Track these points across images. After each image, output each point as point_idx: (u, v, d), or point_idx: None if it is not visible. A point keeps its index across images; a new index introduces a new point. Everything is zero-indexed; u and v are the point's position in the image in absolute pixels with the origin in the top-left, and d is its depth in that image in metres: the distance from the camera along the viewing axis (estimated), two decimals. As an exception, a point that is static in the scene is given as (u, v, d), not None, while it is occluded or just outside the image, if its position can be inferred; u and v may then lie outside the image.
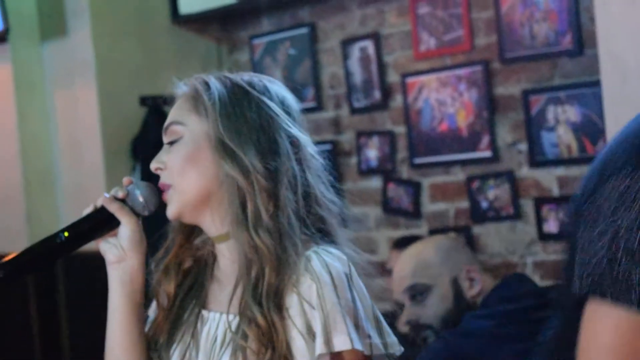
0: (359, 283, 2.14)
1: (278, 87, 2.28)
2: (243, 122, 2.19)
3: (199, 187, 2.20)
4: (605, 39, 3.98)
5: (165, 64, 6.19)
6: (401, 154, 5.43)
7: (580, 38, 4.65)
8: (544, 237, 4.83)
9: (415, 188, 5.36)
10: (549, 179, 4.82)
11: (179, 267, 2.32)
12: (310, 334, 2.07)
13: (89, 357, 6.31)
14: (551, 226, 4.81)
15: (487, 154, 5.03)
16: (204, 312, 2.27)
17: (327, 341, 2.04)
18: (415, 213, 5.36)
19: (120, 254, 2.21)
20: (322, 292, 2.06)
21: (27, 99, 6.32)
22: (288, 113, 2.25)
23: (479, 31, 5.07)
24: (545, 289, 3.35)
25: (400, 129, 5.41)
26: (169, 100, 6.20)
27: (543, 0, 4.81)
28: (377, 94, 5.51)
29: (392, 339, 2.17)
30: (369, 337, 2.12)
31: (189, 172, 2.19)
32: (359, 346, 2.05)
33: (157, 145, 6.16)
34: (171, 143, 2.23)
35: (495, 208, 5.02)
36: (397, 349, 2.17)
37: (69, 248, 2.21)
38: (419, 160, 5.32)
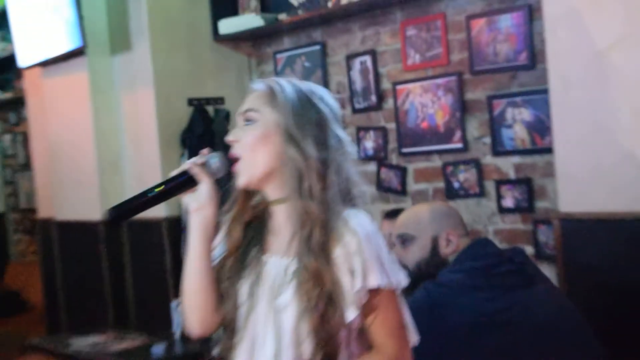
0: (380, 235, 2.28)
1: (329, 96, 2.37)
2: (306, 119, 2.27)
3: (264, 162, 2.28)
4: (552, 56, 3.99)
5: (207, 73, 6.16)
6: (392, 145, 5.38)
7: (533, 56, 4.59)
8: (502, 210, 4.78)
9: (402, 172, 5.32)
10: (507, 165, 4.78)
11: (242, 220, 2.38)
12: (352, 275, 2.19)
13: (145, 297, 6.35)
14: (508, 202, 4.76)
15: (459, 145, 4.98)
16: (265, 257, 2.35)
17: (364, 279, 2.19)
18: (402, 191, 5.32)
19: (200, 204, 2.28)
20: (360, 243, 2.20)
21: (100, 101, 6.28)
22: (335, 116, 2.34)
23: (454, 49, 5.01)
24: (504, 250, 3.31)
25: (391, 125, 5.36)
26: (211, 102, 6.17)
27: (504, 26, 4.74)
28: (373, 98, 5.46)
29: (403, 274, 2.30)
30: (391, 275, 2.25)
31: (259, 149, 2.27)
32: (386, 283, 2.22)
33: (201, 137, 6.20)
34: (247, 123, 2.30)
35: (464, 188, 4.97)
36: (405, 281, 2.29)
37: (159, 199, 2.30)
38: (405, 150, 5.27)
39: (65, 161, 6.68)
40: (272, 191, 2.33)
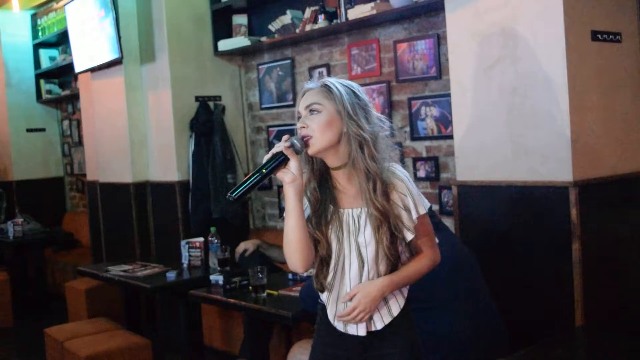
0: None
1: (359, 87, 2.41)
2: (357, 105, 2.32)
3: (330, 140, 2.31)
4: (454, 70, 3.98)
5: (209, 78, 6.10)
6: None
7: (440, 69, 4.58)
8: (417, 179, 4.76)
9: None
10: (420, 147, 4.77)
11: (314, 183, 2.42)
12: (406, 209, 2.32)
13: (162, 238, 6.31)
14: (421, 173, 4.75)
15: (387, 132, 4.98)
16: (341, 210, 2.39)
17: (417, 210, 2.34)
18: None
19: (293, 177, 2.27)
20: (407, 186, 2.34)
21: (132, 97, 6.20)
22: (370, 101, 2.40)
23: (384, 64, 4.99)
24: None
25: (340, 118, 5.34)
26: (211, 99, 6.12)
27: (420, 48, 4.73)
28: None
29: (426, 201, 2.43)
30: (425, 204, 2.39)
31: (327, 131, 2.31)
32: (427, 210, 2.39)
33: (204, 124, 6.12)
34: (313, 114, 2.32)
35: (391, 163, 4.98)
36: (428, 205, 2.44)
37: (265, 177, 2.28)
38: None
39: (106, 140, 6.61)
40: (331, 160, 2.36)
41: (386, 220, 2.30)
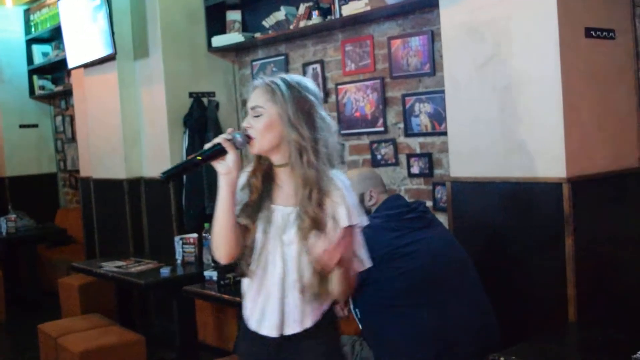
0: (351, 188, 2.36)
1: (311, 84, 2.37)
2: (300, 109, 2.28)
3: (270, 142, 2.31)
4: (447, 67, 3.96)
5: (203, 74, 6.10)
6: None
7: (434, 66, 4.59)
8: (411, 175, 4.78)
9: (341, 147, 5.31)
10: (414, 143, 4.78)
11: (259, 175, 2.40)
12: (334, 218, 2.25)
13: (156, 234, 6.33)
14: (415, 169, 4.76)
15: (381, 129, 4.97)
16: (273, 205, 2.37)
17: (349, 219, 2.25)
18: (341, 161, 5.32)
19: (227, 169, 2.27)
20: (343, 195, 2.27)
21: (125, 93, 6.20)
22: (318, 101, 2.34)
23: (378, 61, 4.99)
24: (411, 203, 3.34)
25: (334, 114, 5.32)
26: (205, 95, 6.13)
27: (414, 45, 4.73)
28: (321, 94, 5.43)
29: (364, 217, 2.38)
30: (358, 217, 2.31)
31: (267, 135, 2.30)
32: (359, 221, 2.31)
33: (198, 120, 6.14)
34: (256, 116, 2.31)
35: (385, 159, 4.97)
36: (366, 221, 2.37)
37: (199, 163, 2.30)
38: (343, 132, 5.22)
39: (99, 136, 6.60)
40: (276, 158, 2.35)
41: (316, 227, 2.25)
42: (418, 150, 4.78)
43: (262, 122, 2.29)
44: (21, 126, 8.82)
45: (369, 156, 5.11)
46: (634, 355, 2.67)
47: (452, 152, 3.97)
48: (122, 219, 6.35)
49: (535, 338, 3.20)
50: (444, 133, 4.35)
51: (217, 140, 2.29)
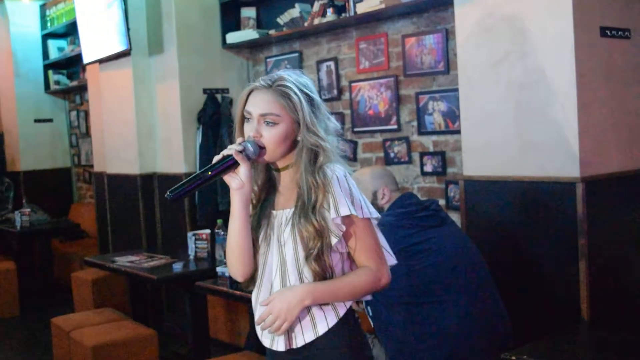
0: (352, 180, 2.18)
1: (311, 81, 2.24)
2: (315, 114, 2.14)
3: (284, 151, 2.16)
4: (462, 65, 3.95)
5: (217, 71, 6.14)
6: (347, 125, 5.36)
7: (448, 64, 4.58)
8: (424, 173, 4.78)
9: (354, 144, 5.30)
10: (427, 141, 4.77)
11: (260, 182, 2.28)
12: (329, 210, 2.10)
13: (169, 229, 6.33)
14: (428, 168, 4.76)
15: (395, 127, 4.97)
16: (273, 211, 2.22)
17: (337, 211, 2.09)
18: (354, 158, 5.30)
19: (240, 183, 2.11)
20: (330, 184, 2.10)
21: (140, 89, 6.24)
22: (322, 101, 2.23)
23: (392, 58, 4.99)
24: (423, 201, 3.33)
25: (347, 112, 5.34)
26: (219, 91, 6.15)
27: (428, 43, 4.73)
28: (335, 92, 5.42)
29: (374, 210, 2.21)
30: (362, 208, 2.16)
31: (281, 146, 2.14)
32: (356, 213, 2.13)
33: (211, 116, 6.14)
34: (269, 124, 2.13)
35: (398, 157, 4.96)
36: (377, 216, 2.20)
37: (209, 180, 2.10)
38: (357, 129, 5.25)
39: (114, 131, 6.64)
40: (281, 162, 2.20)
41: (319, 237, 2.09)
42: (431, 149, 4.78)
43: (278, 132, 2.13)
44: (36, 121, 8.86)
45: (382, 154, 5.11)
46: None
47: (465, 150, 3.96)
48: (135, 214, 6.38)
49: (548, 337, 3.19)
50: (458, 131, 4.34)
51: (227, 151, 2.12)
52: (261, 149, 2.14)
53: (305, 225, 2.11)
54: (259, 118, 2.14)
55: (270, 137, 2.13)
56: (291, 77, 2.18)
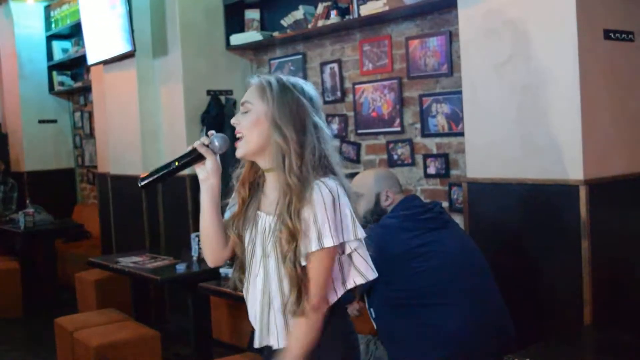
0: (343, 198, 2.12)
1: (309, 87, 2.22)
2: (288, 110, 2.13)
3: (257, 141, 2.18)
4: (465, 68, 3.95)
5: (221, 72, 6.16)
6: (350, 127, 5.36)
7: (452, 66, 4.58)
8: (427, 175, 4.78)
9: (357, 146, 5.30)
10: (431, 144, 4.77)
11: (247, 182, 2.31)
12: (306, 235, 2.09)
13: (172, 230, 6.33)
14: (431, 170, 4.76)
15: (398, 129, 4.97)
16: (259, 212, 2.26)
17: (320, 242, 2.08)
18: (357, 160, 5.30)
19: (206, 175, 2.23)
20: (315, 209, 2.07)
21: (144, 90, 6.28)
22: (313, 105, 2.18)
23: (396, 61, 4.99)
24: (427, 203, 3.32)
25: (351, 114, 5.34)
26: (223, 93, 6.13)
27: (432, 45, 4.73)
28: (338, 94, 5.43)
29: (360, 228, 2.16)
30: (344, 234, 2.12)
31: (253, 132, 2.17)
32: (331, 243, 2.09)
33: (215, 118, 6.13)
34: (244, 112, 2.20)
35: (401, 159, 4.96)
36: (362, 233, 2.17)
37: (177, 170, 2.22)
38: (360, 131, 5.25)
39: (117, 132, 6.66)
40: (263, 162, 2.23)
41: (294, 240, 2.10)
42: (434, 151, 4.77)
43: (249, 118, 2.19)
44: (40, 121, 8.88)
45: (385, 156, 5.10)
46: (650, 359, 2.65)
47: (468, 152, 3.95)
48: (138, 214, 6.38)
49: (551, 340, 3.18)
50: (461, 134, 4.33)
51: (193, 145, 2.24)
52: (235, 140, 2.21)
53: (280, 228, 2.13)
54: (240, 106, 2.25)
55: (243, 123, 2.20)
56: (284, 76, 2.23)
